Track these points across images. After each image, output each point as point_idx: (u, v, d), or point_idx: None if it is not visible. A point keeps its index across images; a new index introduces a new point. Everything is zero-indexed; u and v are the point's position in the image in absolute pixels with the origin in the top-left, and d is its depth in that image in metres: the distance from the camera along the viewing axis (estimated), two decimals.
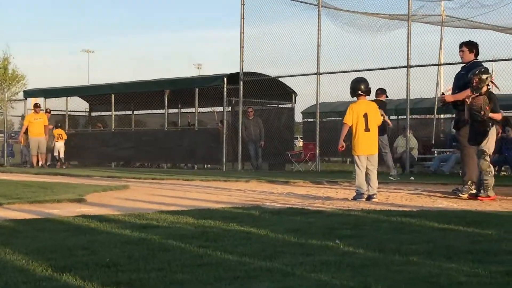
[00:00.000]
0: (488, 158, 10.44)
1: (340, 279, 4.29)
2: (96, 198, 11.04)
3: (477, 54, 11.23)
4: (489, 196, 10.41)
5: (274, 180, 15.45)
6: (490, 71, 10.72)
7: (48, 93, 28.98)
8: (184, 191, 12.82)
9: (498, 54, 17.37)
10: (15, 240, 6.07)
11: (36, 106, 25.34)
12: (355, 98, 11.13)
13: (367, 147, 10.83)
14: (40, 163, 24.40)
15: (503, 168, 17.79)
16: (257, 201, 10.53)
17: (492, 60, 16.62)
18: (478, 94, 10.30)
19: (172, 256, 5.13)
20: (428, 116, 27.52)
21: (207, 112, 26.74)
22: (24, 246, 5.65)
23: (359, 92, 10.93)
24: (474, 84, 10.26)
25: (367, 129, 10.79)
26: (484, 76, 10.23)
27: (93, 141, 26.96)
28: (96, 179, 16.68)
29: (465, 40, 11.43)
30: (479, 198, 10.47)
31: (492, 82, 10.46)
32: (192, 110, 24.74)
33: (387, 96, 16.31)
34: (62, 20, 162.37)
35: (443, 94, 11.42)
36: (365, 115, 10.79)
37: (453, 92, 11.09)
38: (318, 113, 20.67)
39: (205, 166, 24.31)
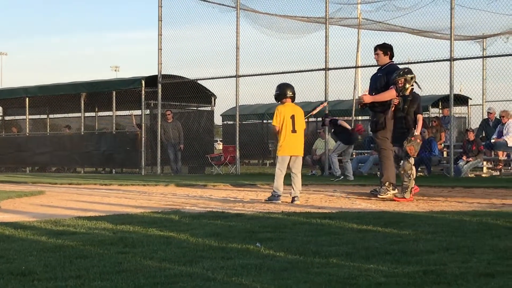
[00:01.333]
0: (412, 161, 10.67)
1: (261, 283, 4.29)
2: (11, 204, 10.75)
3: (392, 56, 11.45)
4: (405, 198, 10.63)
5: (194, 183, 15.39)
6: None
7: None
8: (102, 196, 12.62)
9: (413, 56, 17.84)
10: None
11: None
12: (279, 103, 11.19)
13: (292, 148, 10.94)
14: None
15: (419, 169, 18.23)
16: (177, 205, 10.45)
17: (408, 63, 16.98)
18: (402, 94, 10.56)
19: (90, 263, 5.03)
20: (346, 117, 27.95)
21: (125, 115, 26.44)
22: None
23: (287, 96, 11.02)
24: (399, 84, 10.51)
25: (293, 131, 10.91)
26: (409, 77, 10.54)
27: (7, 146, 26.27)
28: (11, 185, 16.24)
29: (379, 43, 11.63)
30: (395, 199, 10.68)
31: (416, 82, 10.73)
32: (110, 113, 24.43)
33: None
34: None
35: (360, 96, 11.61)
36: (292, 117, 10.92)
37: (370, 94, 11.27)
38: (237, 116, 20.70)
39: (123, 170, 24.02)
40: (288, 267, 4.81)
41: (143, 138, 21.91)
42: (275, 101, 11.52)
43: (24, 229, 7.10)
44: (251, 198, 11.79)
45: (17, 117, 29.33)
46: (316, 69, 19.09)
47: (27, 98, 25.63)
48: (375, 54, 11.49)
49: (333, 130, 17.86)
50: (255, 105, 28.84)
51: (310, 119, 22.23)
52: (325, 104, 15.12)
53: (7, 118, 30.42)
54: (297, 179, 10.86)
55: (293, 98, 11.17)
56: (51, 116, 29.05)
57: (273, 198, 10.79)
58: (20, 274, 4.65)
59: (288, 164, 10.96)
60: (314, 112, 13.00)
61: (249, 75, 20.56)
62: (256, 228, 6.98)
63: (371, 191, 11.53)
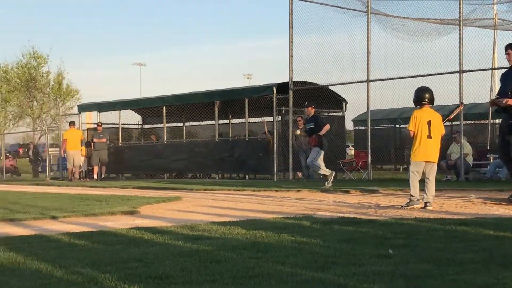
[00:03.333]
0: None
1: None
2: (149, 210, 11.15)
3: None
4: None
5: (325, 189, 15.38)
6: None
7: (102, 106, 29.46)
8: (235, 202, 12.85)
9: None
10: (71, 253, 6.15)
11: (72, 123, 26.43)
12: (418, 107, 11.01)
13: (427, 154, 10.74)
14: (75, 176, 25.62)
15: None
16: (309, 211, 10.49)
17: None
18: None
19: (224, 268, 5.14)
20: (482, 121, 27.10)
21: (257, 122, 26.81)
22: (79, 259, 5.73)
23: (425, 100, 10.83)
24: None
25: (429, 136, 10.70)
26: None
27: (146, 153, 27.25)
28: (150, 191, 16.84)
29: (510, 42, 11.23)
30: None
31: None
32: (243, 120, 24.84)
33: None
34: (115, 34, 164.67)
35: (498, 97, 11.18)
36: (429, 123, 10.71)
37: (503, 94, 10.88)
38: (369, 121, 20.53)
39: (256, 176, 24.33)
40: (422, 274, 4.72)
41: (275, 144, 22.12)
42: (408, 105, 11.34)
43: (162, 234, 7.36)
44: (383, 204, 11.65)
45: (155, 126, 30.40)
46: (450, 72, 18.62)
47: (164, 107, 26.50)
48: (506, 54, 11.12)
49: None
50: (387, 110, 28.45)
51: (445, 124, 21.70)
52: (462, 106, 14.62)
53: (146, 126, 31.58)
54: (431, 185, 10.64)
55: (431, 103, 10.96)
56: (187, 124, 29.90)
57: (410, 203, 10.63)
58: (158, 277, 4.82)
59: (423, 170, 10.77)
60: (452, 116, 12.64)
61: (380, 80, 20.33)
62: (388, 234, 6.90)
63: (510, 197, 11.11)
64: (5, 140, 55.60)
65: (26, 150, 42.97)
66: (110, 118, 29.37)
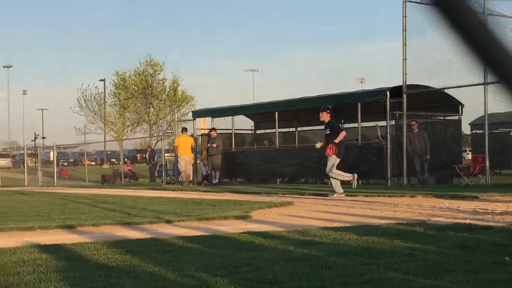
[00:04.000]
0: None
1: None
2: (261, 214, 11.23)
3: None
4: None
5: (441, 194, 15.02)
6: None
7: (215, 112, 29.96)
8: (347, 207, 12.75)
9: None
10: (184, 257, 6.27)
11: (184, 130, 27.40)
12: None
13: None
14: (186, 181, 26.35)
15: None
16: (423, 216, 10.27)
17: None
18: None
19: (334, 273, 5.10)
20: None
21: (370, 126, 26.52)
22: (192, 262, 5.83)
23: None
24: None
25: None
26: None
27: (259, 158, 27.48)
28: (262, 196, 16.96)
29: None
30: None
31: None
32: (355, 125, 24.64)
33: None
34: (228, 43, 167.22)
35: None
36: None
37: None
38: (486, 124, 19.92)
39: (369, 182, 24.05)
40: None
41: (389, 149, 21.81)
42: None
43: (273, 238, 7.39)
44: (502, 209, 11.27)
45: (267, 131, 30.64)
46: None
47: (276, 112, 26.65)
48: None
49: None
50: (507, 113, 27.51)
51: None
52: None
53: (258, 131, 31.87)
54: None
55: None
56: (299, 129, 29.95)
57: None
58: (268, 282, 4.83)
59: None
60: None
61: (498, 82, 19.64)
62: (505, 241, 6.66)
63: None
64: (123, 145, 57.56)
65: (144, 155, 44.32)
66: (224, 123, 29.84)
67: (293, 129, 29.86)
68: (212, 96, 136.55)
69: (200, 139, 29.33)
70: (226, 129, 29.82)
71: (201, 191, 20.66)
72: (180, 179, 28.08)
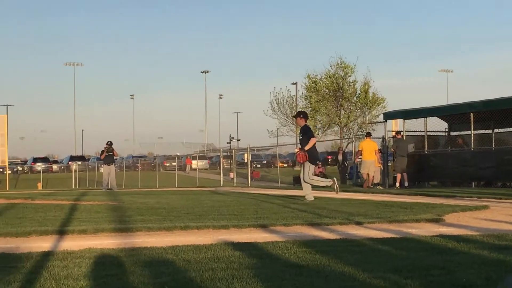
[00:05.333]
0: None
1: None
2: (454, 218, 10.90)
3: None
4: None
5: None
6: None
7: (407, 114, 29.44)
8: None
9: None
10: (374, 258, 6.22)
11: (368, 135, 28.15)
12: None
13: None
14: (371, 183, 26.59)
15: None
16: None
17: None
18: None
19: None
20: None
21: None
22: (382, 264, 5.77)
23: None
24: None
25: None
26: None
27: (453, 161, 26.68)
28: (455, 199, 16.45)
29: None
30: None
31: None
32: None
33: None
34: (420, 42, 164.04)
35: None
36: None
37: None
38: None
39: None
40: None
41: None
42: None
43: (466, 242, 7.15)
44: None
45: (462, 133, 29.65)
46: None
47: (471, 113, 25.72)
48: None
49: None
50: None
51: None
52: None
53: (452, 133, 30.93)
54: None
55: None
56: (495, 130, 28.71)
57: None
58: (461, 286, 4.70)
59: None
60: None
61: None
62: None
63: None
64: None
65: (334, 157, 44.48)
66: (416, 125, 29.27)
67: (490, 131, 28.67)
68: (404, 98, 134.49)
69: (392, 141, 28.99)
70: (418, 131, 29.24)
71: (392, 193, 20.41)
72: (361, 181, 28.22)
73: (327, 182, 16.56)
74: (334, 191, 16.48)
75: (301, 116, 16.80)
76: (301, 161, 16.12)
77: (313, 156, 16.28)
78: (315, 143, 16.39)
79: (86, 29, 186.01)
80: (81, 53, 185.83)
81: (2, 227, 9.47)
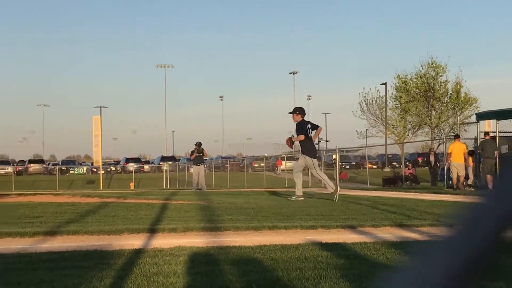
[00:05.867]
0: None
1: None
2: None
3: None
4: None
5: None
6: None
7: (500, 114, 28.65)
8: None
9: None
10: None
11: (457, 137, 27.93)
12: None
13: None
14: (460, 184, 26.39)
15: None
16: None
17: None
18: None
19: None
20: None
21: None
22: None
23: None
24: None
25: None
26: None
27: None
28: None
29: None
30: None
31: None
32: None
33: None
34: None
35: None
36: None
37: None
38: None
39: None
40: None
41: None
42: None
43: None
44: None
45: None
46: None
47: None
48: None
49: None
50: None
51: None
52: None
53: None
54: None
55: None
56: None
57: None
58: None
59: None
60: None
61: None
62: None
63: None
64: (404, 149, 57.37)
65: (425, 159, 43.73)
66: (510, 126, 28.46)
67: None
68: (499, 98, 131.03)
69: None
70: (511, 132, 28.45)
71: None
72: (450, 183, 27.76)
73: (332, 185, 16.56)
74: (333, 198, 16.28)
75: (297, 112, 17.05)
76: (288, 145, 17.06)
77: (310, 150, 16.77)
78: (310, 139, 16.85)
79: (176, 31, 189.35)
80: (172, 55, 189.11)
81: (96, 225, 9.75)
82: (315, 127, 16.97)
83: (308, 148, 16.78)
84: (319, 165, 16.83)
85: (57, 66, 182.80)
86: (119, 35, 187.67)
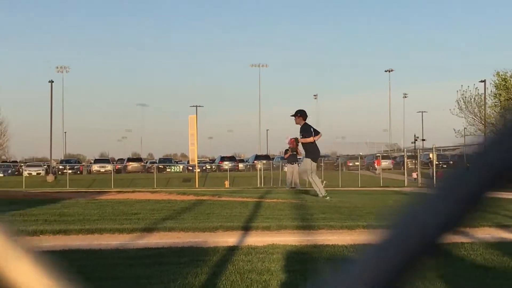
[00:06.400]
0: None
1: None
2: None
3: None
4: None
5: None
6: None
7: None
8: None
9: None
10: None
11: None
12: None
13: None
14: None
15: None
16: None
17: None
18: None
19: None
20: None
21: None
22: None
23: None
24: None
25: None
26: None
27: None
28: None
29: None
30: None
31: None
32: None
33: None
34: None
35: None
36: None
37: None
38: None
39: None
40: None
41: None
42: None
43: None
44: None
45: None
46: None
47: None
48: None
49: None
50: None
51: None
52: None
53: None
54: None
55: None
56: None
57: None
58: None
59: None
60: None
61: None
62: None
63: None
64: None
65: None
66: None
67: None
68: None
69: None
70: None
71: None
72: None
73: (322, 192, 16.38)
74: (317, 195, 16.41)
75: (299, 115, 16.69)
76: (289, 143, 16.57)
77: (314, 154, 16.54)
78: (314, 142, 16.49)
79: (270, 31, 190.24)
80: (265, 55, 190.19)
81: (191, 222, 9.91)
82: (316, 132, 16.87)
83: (313, 152, 16.69)
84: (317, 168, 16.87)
85: (155, 67, 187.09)
86: (214, 37, 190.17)
